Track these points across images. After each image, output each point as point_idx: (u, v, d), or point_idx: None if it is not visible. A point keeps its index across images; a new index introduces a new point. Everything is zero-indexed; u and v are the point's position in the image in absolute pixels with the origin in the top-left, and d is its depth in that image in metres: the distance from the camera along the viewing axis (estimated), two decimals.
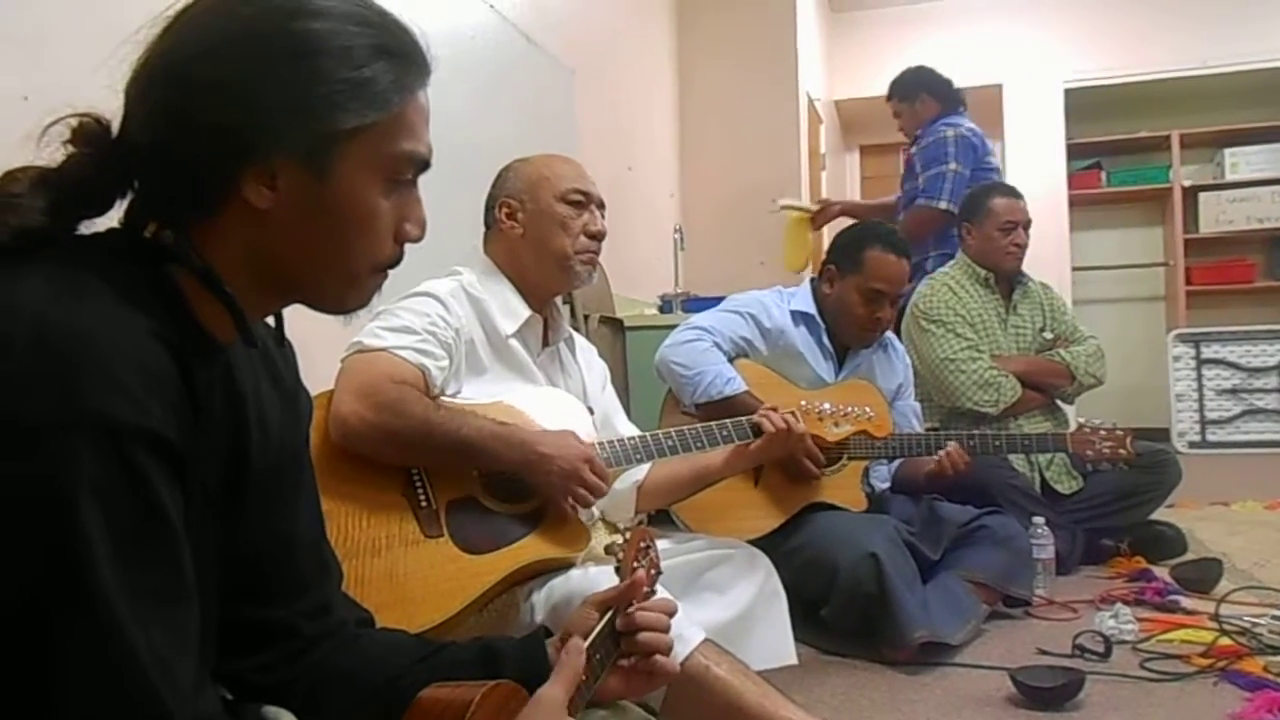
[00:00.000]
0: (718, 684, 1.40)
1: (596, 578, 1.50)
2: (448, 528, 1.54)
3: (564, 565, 1.60)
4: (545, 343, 1.86)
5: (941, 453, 2.45)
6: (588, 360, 1.99)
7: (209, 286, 0.76)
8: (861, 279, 2.51)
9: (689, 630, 1.43)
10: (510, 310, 1.79)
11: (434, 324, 1.65)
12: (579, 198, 1.81)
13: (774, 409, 1.94)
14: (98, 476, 0.62)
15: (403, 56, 0.80)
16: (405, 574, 1.48)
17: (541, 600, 1.55)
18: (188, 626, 0.69)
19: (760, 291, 2.67)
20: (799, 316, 2.58)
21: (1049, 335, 3.27)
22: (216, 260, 0.77)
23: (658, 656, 1.03)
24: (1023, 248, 3.21)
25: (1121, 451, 2.48)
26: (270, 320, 0.89)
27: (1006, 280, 3.26)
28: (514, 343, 1.77)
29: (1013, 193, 3.30)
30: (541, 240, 1.79)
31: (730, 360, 2.45)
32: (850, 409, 2.06)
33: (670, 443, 1.84)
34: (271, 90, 0.74)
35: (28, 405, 0.62)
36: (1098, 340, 3.28)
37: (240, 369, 0.84)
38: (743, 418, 1.93)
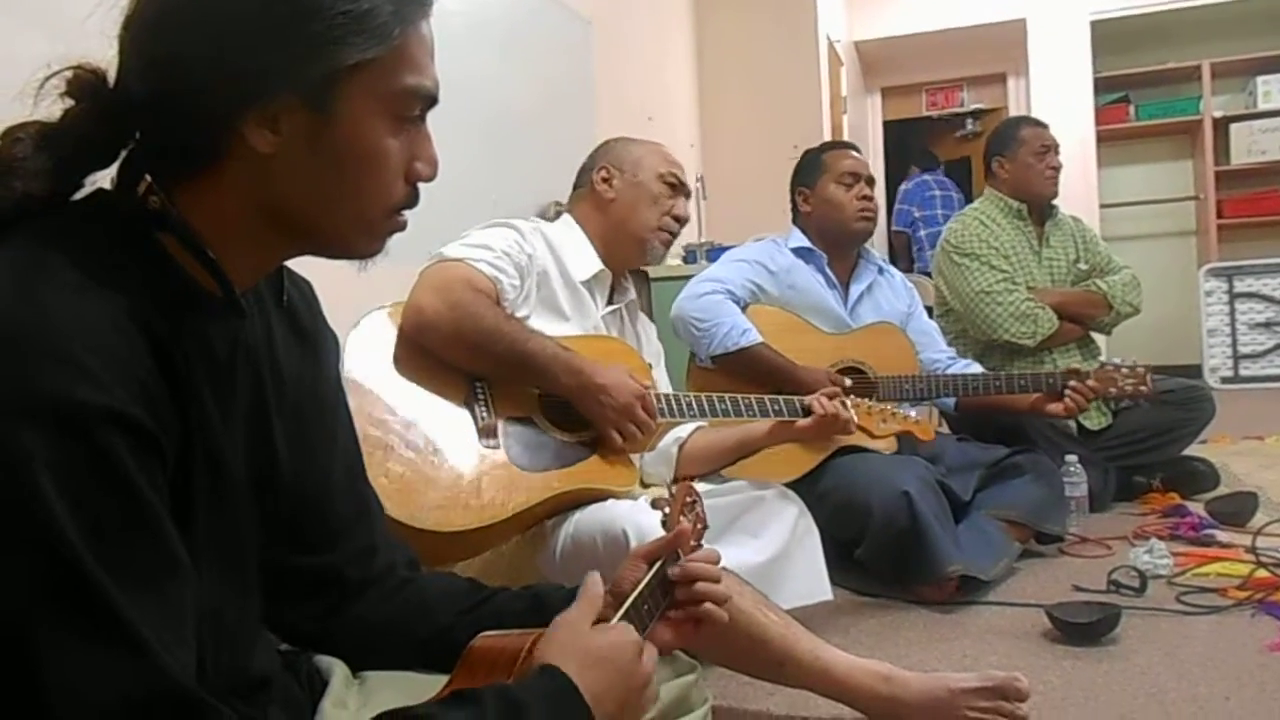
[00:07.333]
0: (741, 617, 1.42)
1: (629, 511, 1.55)
2: (503, 441, 1.60)
3: (603, 497, 1.64)
4: (610, 301, 1.92)
5: (1067, 396, 2.49)
6: (648, 333, 2.06)
7: (192, 251, 0.74)
8: (830, 174, 2.65)
9: None
10: (584, 258, 1.86)
11: (509, 248, 1.73)
12: (675, 181, 1.94)
13: (830, 395, 1.96)
14: (57, 456, 0.61)
15: None
16: (456, 477, 1.53)
17: (569, 530, 1.60)
18: (178, 600, 0.67)
19: (758, 242, 2.73)
20: (799, 252, 2.66)
21: (1084, 266, 3.23)
22: (221, 213, 0.75)
23: (709, 605, 1.02)
24: (1058, 170, 3.21)
25: (1142, 388, 2.51)
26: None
27: (1039, 211, 3.22)
28: (584, 290, 1.83)
29: (1037, 121, 3.34)
30: (632, 209, 1.90)
31: (744, 307, 2.49)
32: (898, 410, 2.10)
33: (723, 406, 1.87)
34: (269, 29, 0.72)
35: None
36: (1132, 270, 3.25)
37: (250, 319, 0.82)
38: (795, 398, 1.96)
